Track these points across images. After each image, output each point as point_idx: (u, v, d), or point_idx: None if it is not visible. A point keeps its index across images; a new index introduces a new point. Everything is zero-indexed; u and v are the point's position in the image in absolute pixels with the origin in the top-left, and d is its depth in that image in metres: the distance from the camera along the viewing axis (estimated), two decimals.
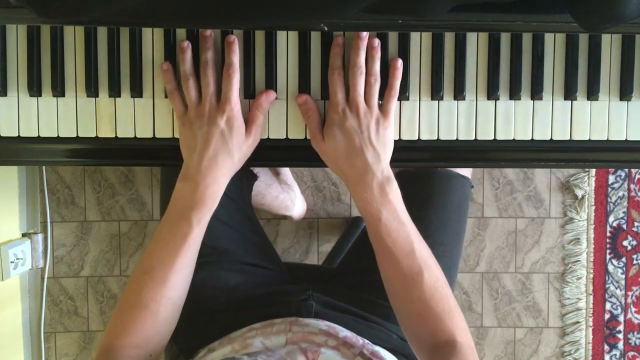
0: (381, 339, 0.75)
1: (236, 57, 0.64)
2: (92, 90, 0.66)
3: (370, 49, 0.65)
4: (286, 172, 1.35)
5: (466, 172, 0.84)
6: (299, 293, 0.77)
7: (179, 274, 0.64)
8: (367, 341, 0.71)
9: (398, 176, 0.85)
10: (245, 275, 0.78)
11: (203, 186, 0.63)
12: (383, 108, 0.65)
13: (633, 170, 1.51)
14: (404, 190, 0.80)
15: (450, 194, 0.82)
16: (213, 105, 0.64)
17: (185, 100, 0.65)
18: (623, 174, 1.51)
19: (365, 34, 0.65)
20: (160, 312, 0.63)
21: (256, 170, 0.87)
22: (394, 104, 0.65)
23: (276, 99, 0.67)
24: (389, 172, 0.64)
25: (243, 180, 0.83)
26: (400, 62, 0.66)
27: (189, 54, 0.65)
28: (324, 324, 0.70)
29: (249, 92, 0.67)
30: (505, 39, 0.67)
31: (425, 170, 0.82)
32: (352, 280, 0.81)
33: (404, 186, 0.82)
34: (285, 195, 1.31)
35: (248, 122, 0.65)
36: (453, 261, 0.83)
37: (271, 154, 0.68)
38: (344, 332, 0.69)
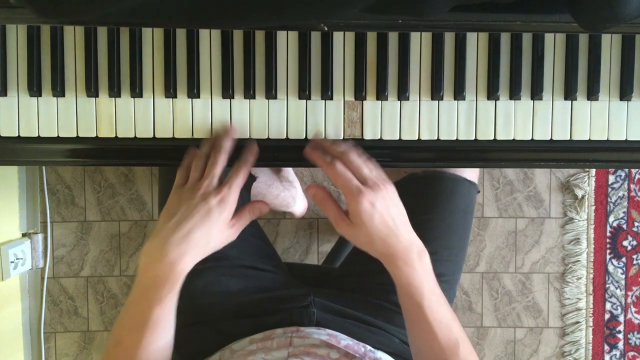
0: (383, 344, 0.75)
1: (253, 160, 0.65)
2: (92, 90, 0.66)
3: (341, 155, 0.63)
4: (288, 168, 1.35)
5: (473, 177, 0.84)
6: (300, 299, 0.77)
7: (149, 347, 0.60)
8: (369, 348, 0.71)
9: (406, 179, 0.85)
10: (246, 280, 0.78)
11: (165, 262, 0.59)
12: (379, 177, 0.64)
13: (633, 170, 1.51)
14: (411, 194, 0.80)
15: (457, 198, 0.82)
16: (212, 184, 0.62)
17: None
18: (623, 174, 1.52)
19: (314, 144, 0.65)
20: None
21: (254, 170, 0.87)
22: (380, 169, 0.65)
23: (276, 99, 0.67)
24: (419, 241, 0.63)
25: None
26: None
27: (217, 142, 0.65)
28: (324, 334, 0.69)
29: (249, 93, 0.67)
30: (505, 39, 0.67)
31: (432, 174, 0.82)
32: (354, 282, 0.81)
33: (411, 189, 0.82)
34: (287, 192, 1.31)
35: (235, 216, 0.64)
36: (458, 265, 0.84)
37: (271, 154, 0.68)
38: (345, 341, 0.69)
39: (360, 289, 0.79)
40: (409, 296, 0.62)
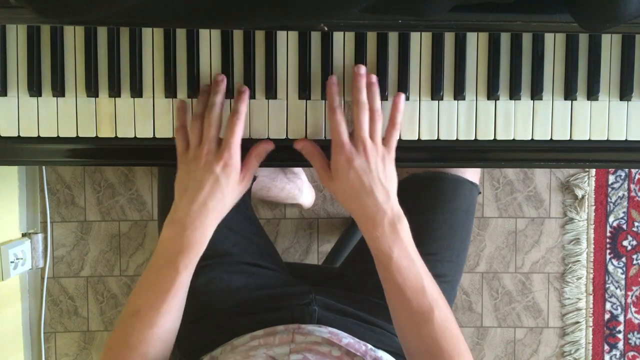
0: (384, 343, 0.75)
1: (244, 106, 0.65)
2: (92, 90, 0.66)
3: (369, 85, 0.64)
4: None
5: (475, 177, 0.84)
6: (301, 296, 0.77)
7: (167, 316, 0.62)
8: (370, 347, 0.71)
9: (408, 179, 0.85)
10: (247, 277, 0.78)
11: (190, 231, 0.62)
12: (386, 142, 0.65)
13: (633, 170, 1.51)
14: (413, 194, 0.80)
15: (459, 199, 0.82)
16: (212, 149, 0.63)
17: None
18: (623, 174, 1.51)
19: (363, 70, 0.64)
20: (150, 351, 0.61)
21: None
22: (396, 137, 0.65)
23: (276, 98, 0.67)
24: (398, 208, 0.64)
25: None
26: (402, 97, 0.66)
27: (206, 97, 0.65)
28: (326, 332, 0.70)
29: (249, 93, 0.67)
30: (505, 39, 0.67)
31: (434, 174, 0.82)
32: (355, 282, 0.81)
33: (413, 190, 0.82)
34: (292, 185, 1.31)
35: (243, 167, 0.65)
36: (459, 266, 0.84)
37: (271, 154, 0.68)
38: (346, 339, 0.69)
39: (361, 289, 0.79)
40: (378, 260, 0.64)
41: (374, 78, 0.65)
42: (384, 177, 0.63)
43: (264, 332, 0.71)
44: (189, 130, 0.65)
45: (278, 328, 0.71)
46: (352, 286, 0.81)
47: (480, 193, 0.88)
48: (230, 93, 0.67)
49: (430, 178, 0.82)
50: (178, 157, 0.65)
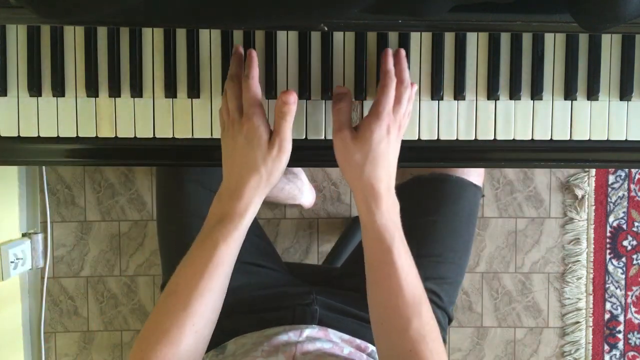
0: None
1: (255, 71, 0.62)
2: (92, 90, 0.66)
3: (400, 58, 0.63)
4: None
5: (478, 180, 0.84)
6: (302, 296, 0.77)
7: (203, 298, 0.58)
8: (370, 349, 0.71)
9: (412, 181, 0.85)
10: (248, 276, 0.78)
11: (228, 200, 0.60)
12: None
13: (633, 170, 1.51)
14: (417, 196, 0.79)
15: (462, 201, 0.82)
16: (236, 120, 0.61)
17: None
18: (623, 174, 1.51)
19: (403, 54, 0.64)
20: (183, 341, 0.57)
21: None
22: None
23: (276, 98, 0.67)
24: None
25: None
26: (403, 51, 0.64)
27: (241, 60, 0.64)
28: (327, 342, 0.69)
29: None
30: (505, 39, 0.67)
31: (438, 176, 0.82)
32: (356, 282, 0.81)
33: (417, 191, 0.82)
34: (292, 185, 1.31)
35: (273, 132, 0.61)
36: (461, 268, 0.84)
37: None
38: (347, 349, 0.69)
39: (362, 289, 0.80)
40: (380, 240, 0.60)
41: (403, 53, 0.64)
42: (395, 160, 0.62)
43: (261, 336, 0.70)
44: (226, 99, 0.63)
45: (280, 337, 0.70)
46: (353, 286, 0.81)
47: (483, 196, 0.88)
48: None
49: (434, 180, 0.82)
50: (223, 124, 0.64)
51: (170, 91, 0.66)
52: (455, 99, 0.67)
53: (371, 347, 0.72)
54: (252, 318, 0.74)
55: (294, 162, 0.69)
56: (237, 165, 0.61)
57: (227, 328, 0.74)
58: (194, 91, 0.66)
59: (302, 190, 1.36)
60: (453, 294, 0.83)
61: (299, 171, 1.38)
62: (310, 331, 0.71)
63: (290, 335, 0.70)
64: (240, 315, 0.75)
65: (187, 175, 0.78)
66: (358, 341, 0.72)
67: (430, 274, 0.78)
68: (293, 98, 0.59)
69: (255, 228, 0.84)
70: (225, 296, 0.75)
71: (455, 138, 0.68)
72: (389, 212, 0.60)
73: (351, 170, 0.61)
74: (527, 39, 0.67)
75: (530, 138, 0.68)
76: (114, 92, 0.66)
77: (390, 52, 0.63)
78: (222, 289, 0.61)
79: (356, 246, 0.93)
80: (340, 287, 0.81)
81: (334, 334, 0.72)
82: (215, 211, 0.61)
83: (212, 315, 0.61)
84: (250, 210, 0.61)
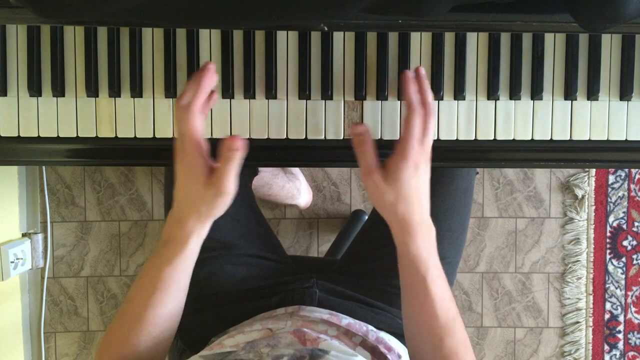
0: (386, 324, 0.75)
1: (207, 82, 0.59)
2: (92, 90, 0.66)
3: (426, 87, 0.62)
4: None
5: None
6: (303, 281, 0.77)
7: (155, 310, 0.60)
8: (371, 327, 0.71)
9: None
10: (251, 268, 0.78)
11: (174, 225, 0.61)
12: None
13: (633, 170, 1.51)
14: None
15: (457, 180, 0.82)
16: (179, 146, 0.59)
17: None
18: (623, 174, 1.51)
19: (424, 72, 0.62)
20: (141, 345, 0.60)
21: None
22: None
23: (276, 99, 0.67)
24: (429, 218, 0.63)
25: (244, 172, 0.84)
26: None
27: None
28: (325, 313, 0.70)
29: (249, 93, 0.67)
30: (505, 39, 0.67)
31: None
32: (356, 269, 0.82)
33: None
34: (291, 184, 1.31)
35: (216, 171, 0.59)
36: (459, 247, 0.84)
37: (271, 153, 0.68)
38: (346, 320, 0.70)
39: (363, 275, 0.80)
40: (414, 269, 0.61)
41: (423, 71, 0.63)
42: (428, 190, 0.62)
43: (262, 315, 0.71)
44: None
45: (278, 311, 0.71)
46: (353, 272, 0.81)
47: (477, 173, 0.88)
48: (229, 93, 0.67)
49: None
50: None
51: (170, 91, 0.66)
52: (455, 99, 0.67)
53: (371, 327, 0.72)
54: (254, 306, 0.75)
55: (294, 162, 0.69)
56: (181, 194, 0.60)
57: (230, 317, 0.74)
58: None
59: (300, 190, 1.37)
60: (452, 273, 0.83)
61: (297, 171, 1.39)
62: (310, 307, 0.72)
63: (289, 309, 0.71)
64: (243, 305, 0.76)
65: None
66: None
67: None
68: (240, 144, 0.58)
69: (259, 219, 0.84)
70: (228, 287, 0.75)
71: (455, 138, 0.68)
72: (423, 242, 0.61)
73: (385, 208, 0.61)
74: (527, 39, 0.67)
75: (530, 138, 0.68)
76: (114, 92, 0.66)
77: (410, 76, 0.61)
78: (176, 300, 0.62)
79: (355, 237, 0.93)
80: (341, 274, 0.82)
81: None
82: (165, 230, 0.62)
83: (169, 323, 0.62)
84: (192, 238, 0.60)
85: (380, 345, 0.69)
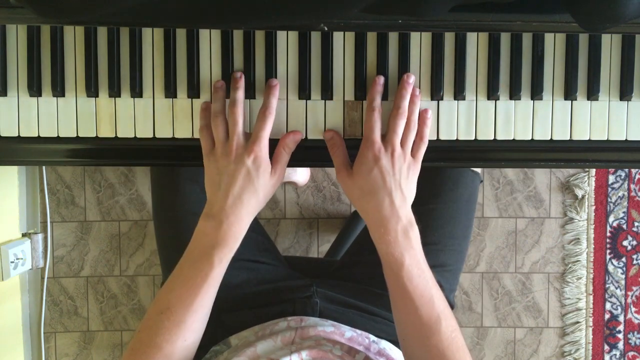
0: (387, 332, 0.75)
1: (275, 100, 0.64)
2: (92, 90, 0.66)
3: (413, 96, 0.64)
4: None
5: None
6: (303, 289, 0.77)
7: (196, 314, 0.62)
8: (372, 339, 0.71)
9: None
10: (247, 273, 0.78)
11: (226, 225, 0.62)
12: (414, 154, 0.65)
13: (633, 170, 1.51)
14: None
15: (460, 187, 0.82)
16: (240, 143, 0.63)
17: (213, 138, 0.65)
18: (623, 174, 1.51)
19: (412, 80, 0.65)
20: (175, 355, 0.60)
21: None
22: (423, 151, 0.65)
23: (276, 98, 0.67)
24: (411, 216, 0.63)
25: None
26: (430, 113, 0.66)
27: (222, 94, 0.65)
28: (328, 325, 0.70)
29: (249, 93, 0.67)
30: (505, 39, 0.67)
31: None
32: (356, 273, 0.81)
33: None
34: None
35: (273, 160, 0.64)
36: (461, 255, 0.84)
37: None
38: (349, 333, 0.69)
39: (363, 280, 0.80)
40: (387, 266, 0.63)
41: (418, 91, 0.65)
42: (405, 183, 0.62)
43: (263, 329, 0.71)
44: (212, 128, 0.64)
45: (280, 325, 0.70)
46: (353, 278, 0.81)
47: (482, 182, 0.88)
48: (228, 93, 0.67)
49: (432, 167, 0.83)
50: (205, 155, 0.65)
51: (170, 91, 0.66)
52: (455, 99, 0.67)
53: (372, 337, 0.72)
54: (254, 313, 0.74)
55: (294, 162, 0.69)
56: (236, 189, 0.62)
57: (229, 324, 0.74)
58: (193, 91, 0.66)
59: (296, 169, 1.37)
60: (454, 281, 0.83)
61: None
62: (312, 318, 0.71)
63: (291, 323, 0.70)
64: (242, 312, 0.75)
65: (183, 174, 0.79)
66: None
67: (430, 262, 0.78)
68: (300, 136, 0.66)
69: (254, 225, 0.84)
70: (225, 293, 0.75)
71: (455, 138, 0.68)
72: (395, 238, 0.61)
73: (356, 205, 0.64)
74: (527, 39, 0.67)
75: (530, 138, 0.68)
76: (114, 92, 0.66)
77: (409, 89, 0.65)
78: (212, 302, 0.64)
79: (355, 238, 0.93)
80: (340, 279, 0.82)
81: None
82: (209, 232, 0.62)
83: (202, 327, 0.64)
84: (244, 232, 0.64)
85: (381, 359, 0.69)
